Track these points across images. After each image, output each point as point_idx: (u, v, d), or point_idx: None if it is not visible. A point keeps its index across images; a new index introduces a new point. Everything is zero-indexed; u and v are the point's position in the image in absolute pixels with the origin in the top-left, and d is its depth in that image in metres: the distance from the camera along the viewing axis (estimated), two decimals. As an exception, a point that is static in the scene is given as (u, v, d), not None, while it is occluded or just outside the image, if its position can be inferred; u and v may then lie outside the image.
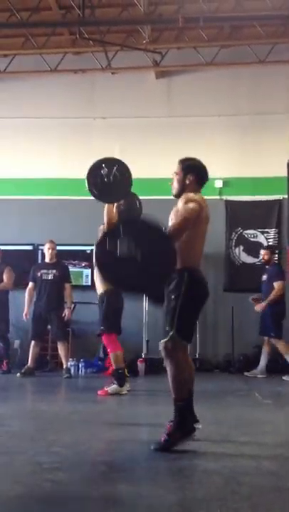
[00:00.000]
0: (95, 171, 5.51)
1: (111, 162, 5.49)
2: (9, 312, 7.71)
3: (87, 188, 5.37)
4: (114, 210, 5.72)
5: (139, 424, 4.39)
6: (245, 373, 7.43)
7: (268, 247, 8.01)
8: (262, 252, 7.95)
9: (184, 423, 3.29)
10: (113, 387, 5.61)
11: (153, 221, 3.37)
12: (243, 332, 8.12)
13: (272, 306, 7.34)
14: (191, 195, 3.50)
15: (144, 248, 3.21)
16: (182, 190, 3.58)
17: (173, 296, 3.34)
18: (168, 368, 3.36)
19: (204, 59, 8.47)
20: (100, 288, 5.87)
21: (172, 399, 3.35)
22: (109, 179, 5.42)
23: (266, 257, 7.78)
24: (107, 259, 3.31)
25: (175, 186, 3.64)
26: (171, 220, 3.49)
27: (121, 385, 5.60)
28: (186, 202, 3.44)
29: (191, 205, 3.41)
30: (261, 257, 7.95)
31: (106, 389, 5.61)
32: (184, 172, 3.62)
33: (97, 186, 5.51)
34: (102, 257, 3.39)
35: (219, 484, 2.66)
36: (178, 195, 3.60)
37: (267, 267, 7.77)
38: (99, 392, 5.62)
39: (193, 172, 3.63)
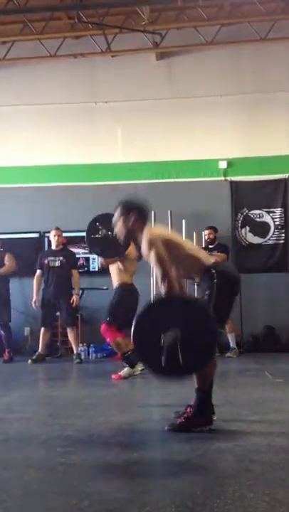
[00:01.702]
0: (91, 231, 5.49)
1: (106, 219, 5.40)
2: (10, 300, 7.68)
3: (88, 248, 5.38)
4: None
5: (150, 406, 4.42)
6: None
7: (211, 227, 7.94)
8: (206, 231, 7.91)
9: (203, 412, 3.32)
10: (125, 370, 5.65)
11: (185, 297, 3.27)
12: (252, 313, 8.12)
13: None
14: (146, 236, 3.40)
15: (183, 331, 3.01)
16: (130, 232, 3.55)
17: (206, 293, 3.35)
18: None
19: (205, 38, 8.37)
20: (115, 281, 5.91)
21: (195, 388, 3.35)
22: (107, 236, 5.35)
23: (211, 236, 7.82)
24: (148, 345, 3.07)
25: (121, 232, 3.59)
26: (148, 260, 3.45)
27: (132, 366, 5.63)
28: (149, 248, 3.35)
29: (154, 252, 3.31)
30: (206, 236, 7.90)
31: (119, 373, 5.65)
32: (124, 216, 3.55)
33: (97, 241, 5.49)
34: (142, 344, 3.13)
35: (232, 462, 2.67)
36: (128, 240, 3.62)
37: (211, 246, 7.77)
38: (113, 377, 5.66)
39: (132, 211, 3.54)
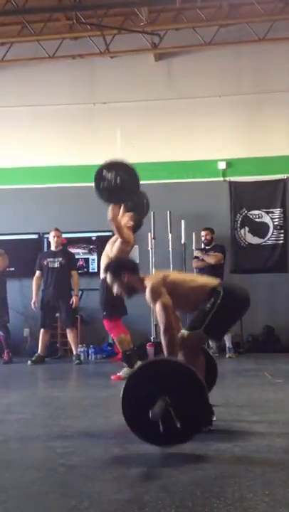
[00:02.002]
0: (99, 177, 5.53)
1: (117, 165, 5.49)
2: (7, 301, 7.68)
3: (96, 191, 5.43)
4: (123, 207, 5.77)
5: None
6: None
7: (208, 228, 7.94)
8: (203, 232, 7.91)
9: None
10: (125, 370, 5.64)
11: (180, 363, 3.17)
12: (251, 313, 8.07)
13: None
14: (148, 288, 3.44)
15: (173, 398, 2.88)
16: (131, 290, 3.61)
17: (208, 305, 3.37)
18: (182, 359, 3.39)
19: (203, 39, 8.37)
20: (103, 273, 5.87)
21: None
22: (116, 183, 5.43)
23: (208, 237, 7.83)
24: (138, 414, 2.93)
25: (124, 293, 3.66)
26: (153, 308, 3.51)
27: (131, 366, 5.62)
28: (153, 299, 3.40)
29: (159, 304, 3.36)
30: (204, 237, 7.90)
31: (119, 374, 5.65)
32: (116, 278, 3.61)
33: (105, 189, 5.53)
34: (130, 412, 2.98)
35: (232, 463, 2.68)
36: (132, 294, 3.66)
37: (208, 247, 7.78)
38: (112, 377, 5.65)
39: (121, 271, 3.62)
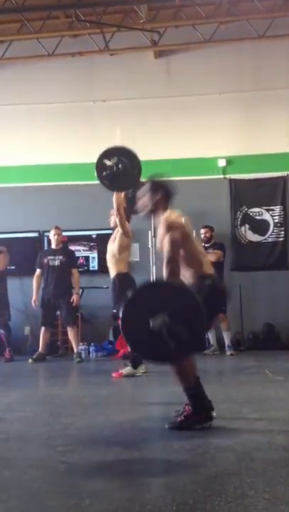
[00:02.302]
0: (101, 162, 5.54)
1: (117, 151, 5.50)
2: (9, 299, 7.70)
3: (99, 180, 5.42)
4: (123, 196, 5.75)
5: (151, 404, 4.41)
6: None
7: (208, 226, 7.93)
8: (202, 230, 7.90)
9: (201, 408, 3.31)
10: (127, 369, 5.65)
11: (179, 283, 3.26)
12: (252, 310, 8.14)
13: None
14: (168, 218, 3.50)
15: (172, 315, 2.99)
16: (153, 209, 3.64)
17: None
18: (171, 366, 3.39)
19: (203, 36, 8.37)
20: (112, 271, 5.89)
21: (182, 389, 3.36)
22: (118, 168, 5.45)
23: (207, 235, 7.82)
24: (136, 330, 3.07)
25: (145, 205, 3.68)
26: (159, 244, 3.53)
27: (135, 366, 5.64)
28: (168, 229, 3.44)
29: (172, 235, 3.40)
30: (203, 235, 7.89)
31: (121, 371, 5.65)
32: (151, 192, 3.64)
33: (107, 177, 5.54)
34: (129, 330, 3.12)
35: (233, 460, 2.67)
36: (149, 215, 3.71)
37: (207, 245, 7.78)
38: (113, 375, 5.66)
39: (162, 190, 3.66)
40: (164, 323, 2.95)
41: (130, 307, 3.08)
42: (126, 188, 5.73)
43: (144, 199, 3.67)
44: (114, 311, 5.82)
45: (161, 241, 3.49)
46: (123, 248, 5.85)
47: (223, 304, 3.59)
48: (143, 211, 3.72)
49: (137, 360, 5.68)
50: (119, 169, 5.47)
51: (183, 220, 3.59)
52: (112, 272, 5.91)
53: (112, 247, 5.89)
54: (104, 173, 5.51)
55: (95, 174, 5.62)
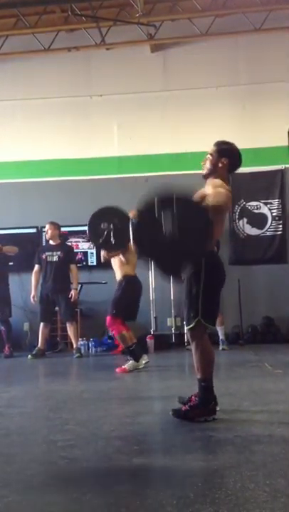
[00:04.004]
0: (94, 221, 5.50)
1: (111, 213, 5.46)
2: (11, 296, 7.71)
3: (91, 242, 5.36)
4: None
5: (151, 399, 4.42)
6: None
7: None
8: None
9: (208, 403, 3.35)
10: (130, 363, 5.67)
11: (190, 197, 3.34)
12: (251, 304, 8.14)
13: None
14: (220, 183, 3.55)
15: (184, 224, 3.10)
16: (213, 172, 3.66)
17: (194, 283, 3.37)
18: (194, 351, 3.42)
19: (199, 30, 8.34)
20: (118, 274, 5.90)
21: (197, 379, 3.39)
22: (108, 231, 5.40)
23: None
24: (146, 237, 3.16)
25: (207, 167, 3.70)
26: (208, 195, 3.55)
27: (136, 359, 5.66)
28: (218, 187, 3.51)
29: (223, 190, 3.49)
30: None
31: (124, 366, 5.67)
32: (219, 155, 3.65)
33: (98, 236, 5.51)
34: (141, 236, 3.21)
35: (233, 453, 2.68)
36: (207, 176, 3.70)
37: None
38: (117, 370, 5.68)
39: (228, 157, 3.66)
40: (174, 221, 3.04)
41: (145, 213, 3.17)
42: (116, 250, 5.78)
43: (208, 158, 3.68)
44: (113, 312, 5.80)
45: (202, 197, 3.54)
46: (130, 253, 5.85)
47: (221, 287, 3.57)
48: (203, 171, 3.76)
49: (137, 353, 5.70)
50: (111, 232, 5.44)
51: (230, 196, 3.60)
52: (119, 275, 5.92)
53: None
54: (100, 240, 5.51)
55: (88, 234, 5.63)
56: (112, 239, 5.40)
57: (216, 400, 3.37)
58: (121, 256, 5.85)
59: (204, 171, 3.70)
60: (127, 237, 5.30)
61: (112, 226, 5.39)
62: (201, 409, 3.32)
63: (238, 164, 3.70)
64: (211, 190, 3.49)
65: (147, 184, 6.80)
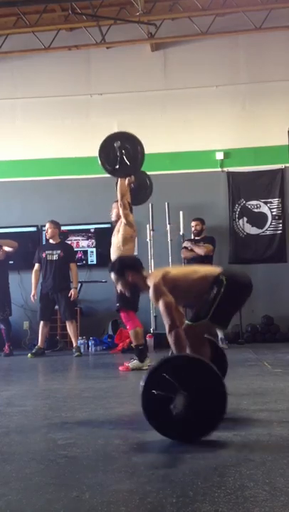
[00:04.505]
0: (106, 146, 5.52)
1: (123, 137, 5.49)
2: (11, 295, 7.72)
3: (100, 164, 5.38)
4: (126, 183, 5.74)
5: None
6: None
7: (199, 219, 7.90)
8: (193, 223, 7.85)
9: (143, 355, 3.36)
10: (134, 362, 5.67)
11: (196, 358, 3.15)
12: (250, 303, 8.12)
13: None
14: (151, 286, 3.46)
15: (192, 394, 2.86)
16: (135, 288, 3.67)
17: (213, 292, 3.38)
18: (189, 350, 3.41)
19: (200, 29, 8.34)
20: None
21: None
22: (121, 153, 5.43)
23: (198, 228, 7.79)
24: (156, 408, 2.90)
25: (126, 290, 3.73)
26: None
27: (142, 360, 5.66)
28: (156, 297, 3.42)
29: (162, 302, 3.39)
30: (193, 228, 7.84)
31: (127, 364, 5.67)
32: (121, 277, 3.67)
33: (110, 161, 5.52)
34: (149, 406, 2.93)
35: (232, 452, 2.68)
36: (136, 292, 3.79)
37: (197, 238, 7.75)
38: (120, 368, 5.68)
39: (125, 270, 3.66)
40: (185, 402, 2.83)
41: (147, 392, 2.92)
42: (129, 174, 5.72)
43: (120, 286, 3.72)
44: (118, 304, 5.81)
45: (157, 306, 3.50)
46: (127, 240, 5.82)
47: (248, 291, 3.59)
48: (127, 293, 3.78)
49: (145, 353, 5.71)
50: (123, 154, 5.46)
51: (159, 272, 3.57)
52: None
53: (116, 239, 5.86)
54: (109, 157, 5.52)
55: (99, 162, 5.59)
56: (126, 161, 5.39)
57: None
58: (123, 219, 5.77)
59: (128, 294, 3.81)
60: (137, 162, 5.40)
61: (123, 150, 5.47)
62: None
63: (137, 264, 3.72)
64: (155, 303, 3.47)
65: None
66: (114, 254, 5.92)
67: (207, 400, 2.87)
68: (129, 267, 3.67)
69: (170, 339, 3.36)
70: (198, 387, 2.88)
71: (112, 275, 3.75)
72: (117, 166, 5.55)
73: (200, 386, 2.89)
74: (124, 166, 5.56)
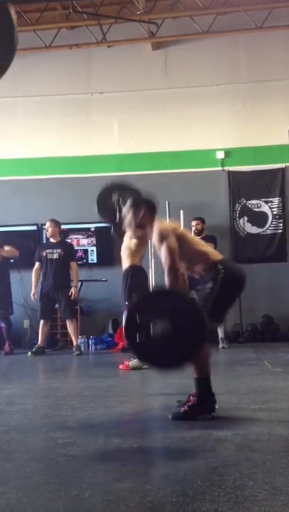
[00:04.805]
0: (103, 200, 5.40)
1: (119, 188, 5.38)
2: (12, 293, 7.73)
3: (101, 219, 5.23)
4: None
5: (150, 396, 4.43)
6: None
7: (199, 218, 7.88)
8: (193, 222, 7.84)
9: (206, 400, 3.36)
10: (134, 361, 5.66)
11: (181, 292, 3.28)
12: (251, 303, 8.13)
13: None
14: (158, 228, 3.50)
15: (174, 323, 3.02)
16: (140, 224, 3.66)
17: (209, 286, 3.40)
18: None
19: (200, 28, 8.33)
20: (125, 263, 5.88)
21: (194, 378, 3.39)
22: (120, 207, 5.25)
23: (198, 227, 7.76)
24: (138, 338, 3.08)
25: (132, 225, 3.72)
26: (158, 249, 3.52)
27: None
28: (161, 240, 3.44)
29: (166, 244, 3.41)
30: (194, 227, 7.82)
31: (127, 363, 5.67)
32: (134, 209, 3.68)
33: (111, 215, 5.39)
34: (132, 336, 3.11)
35: (232, 451, 2.68)
36: (138, 230, 3.76)
37: (198, 237, 7.72)
38: (120, 367, 5.68)
39: (141, 206, 3.67)
40: (165, 330, 2.97)
41: (133, 315, 3.09)
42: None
43: (128, 218, 3.71)
44: (126, 303, 5.81)
45: (159, 252, 3.50)
46: (140, 244, 5.83)
47: (242, 288, 3.60)
48: (130, 227, 3.78)
49: None
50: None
51: (171, 224, 3.64)
52: (126, 264, 5.90)
53: (129, 240, 5.87)
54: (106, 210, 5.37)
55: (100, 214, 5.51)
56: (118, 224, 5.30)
57: (214, 398, 3.38)
58: (133, 243, 5.78)
59: (132, 230, 3.85)
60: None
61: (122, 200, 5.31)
62: (200, 407, 3.33)
63: (155, 206, 3.70)
64: (158, 246, 3.48)
65: (148, 182, 6.80)
66: (124, 254, 5.91)
67: (188, 327, 3.02)
68: (147, 204, 3.67)
69: (168, 280, 3.36)
70: (178, 315, 3.03)
71: (127, 204, 3.72)
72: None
73: (180, 314, 3.03)
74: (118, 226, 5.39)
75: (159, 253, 3.50)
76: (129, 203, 3.73)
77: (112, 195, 5.45)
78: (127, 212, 3.73)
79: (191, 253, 3.52)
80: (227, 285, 3.41)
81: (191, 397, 3.39)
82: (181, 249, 3.45)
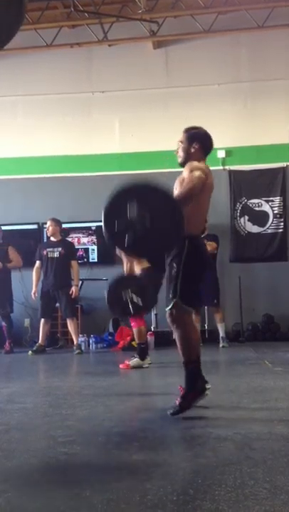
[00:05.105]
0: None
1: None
2: (13, 292, 7.74)
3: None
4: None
5: (151, 395, 4.43)
6: None
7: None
8: None
9: (196, 384, 3.35)
10: (135, 360, 5.68)
11: (162, 186, 3.26)
12: (251, 302, 8.14)
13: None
14: (195, 163, 3.51)
15: (152, 212, 3.06)
16: (187, 158, 3.59)
17: (175, 264, 3.36)
18: (176, 334, 3.41)
19: (202, 27, 8.32)
20: (136, 267, 5.90)
21: (182, 362, 3.39)
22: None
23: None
24: (116, 226, 3.10)
25: (180, 155, 3.65)
26: (176, 190, 3.48)
27: (142, 358, 5.68)
28: (192, 170, 3.44)
29: (196, 173, 3.41)
30: None
31: (128, 362, 5.68)
32: (189, 141, 3.64)
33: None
34: (110, 225, 3.13)
35: (232, 450, 2.68)
36: (183, 164, 3.62)
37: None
38: (121, 366, 5.70)
39: (198, 140, 3.64)
40: (144, 217, 3.02)
41: (114, 201, 3.12)
42: (148, 310, 5.66)
43: (180, 148, 3.66)
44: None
45: (181, 182, 3.45)
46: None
47: (203, 273, 3.55)
48: (178, 160, 3.69)
49: (146, 352, 5.73)
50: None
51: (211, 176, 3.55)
52: (137, 269, 5.93)
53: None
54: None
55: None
56: (138, 302, 4.95)
57: (204, 379, 3.37)
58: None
59: (179, 160, 3.67)
60: (152, 296, 5.14)
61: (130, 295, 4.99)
62: (191, 393, 3.33)
63: (210, 146, 3.67)
64: (187, 174, 3.46)
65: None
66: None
67: (166, 220, 3.10)
68: (202, 142, 3.63)
69: (181, 194, 3.32)
70: (159, 206, 3.08)
71: (182, 137, 3.70)
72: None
73: (161, 206, 3.09)
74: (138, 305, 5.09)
75: (181, 183, 3.45)
76: (185, 133, 3.68)
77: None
78: (180, 142, 3.66)
79: (192, 207, 3.38)
80: (191, 263, 3.34)
81: (180, 388, 3.39)
82: (197, 199, 3.39)
